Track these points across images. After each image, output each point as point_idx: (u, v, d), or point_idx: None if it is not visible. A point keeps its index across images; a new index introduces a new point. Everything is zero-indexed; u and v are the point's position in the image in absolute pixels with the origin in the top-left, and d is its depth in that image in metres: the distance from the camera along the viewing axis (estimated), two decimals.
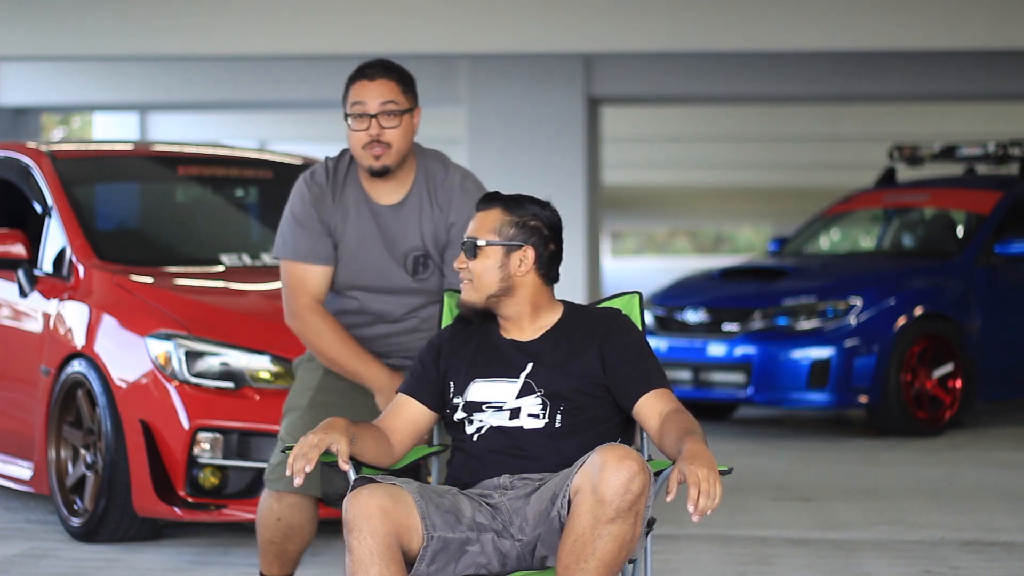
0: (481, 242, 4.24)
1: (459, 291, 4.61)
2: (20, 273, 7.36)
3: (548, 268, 4.30)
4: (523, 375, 4.23)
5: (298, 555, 5.00)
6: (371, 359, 4.93)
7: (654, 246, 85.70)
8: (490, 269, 4.25)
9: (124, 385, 6.61)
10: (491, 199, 4.31)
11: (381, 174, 4.92)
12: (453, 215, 4.98)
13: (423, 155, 5.05)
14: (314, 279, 4.99)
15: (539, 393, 4.20)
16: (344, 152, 5.06)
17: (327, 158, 5.08)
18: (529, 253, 4.27)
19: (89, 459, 6.79)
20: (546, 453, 4.16)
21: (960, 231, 11.73)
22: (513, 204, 4.28)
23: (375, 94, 4.87)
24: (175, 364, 6.52)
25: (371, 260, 4.99)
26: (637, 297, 4.50)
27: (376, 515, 3.86)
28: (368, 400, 4.97)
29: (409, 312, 5.03)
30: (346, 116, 4.90)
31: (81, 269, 7.14)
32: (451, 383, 4.30)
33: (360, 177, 5.01)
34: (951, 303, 10.96)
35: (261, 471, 6.42)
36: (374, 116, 4.86)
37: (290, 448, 4.09)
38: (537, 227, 4.28)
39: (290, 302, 5.02)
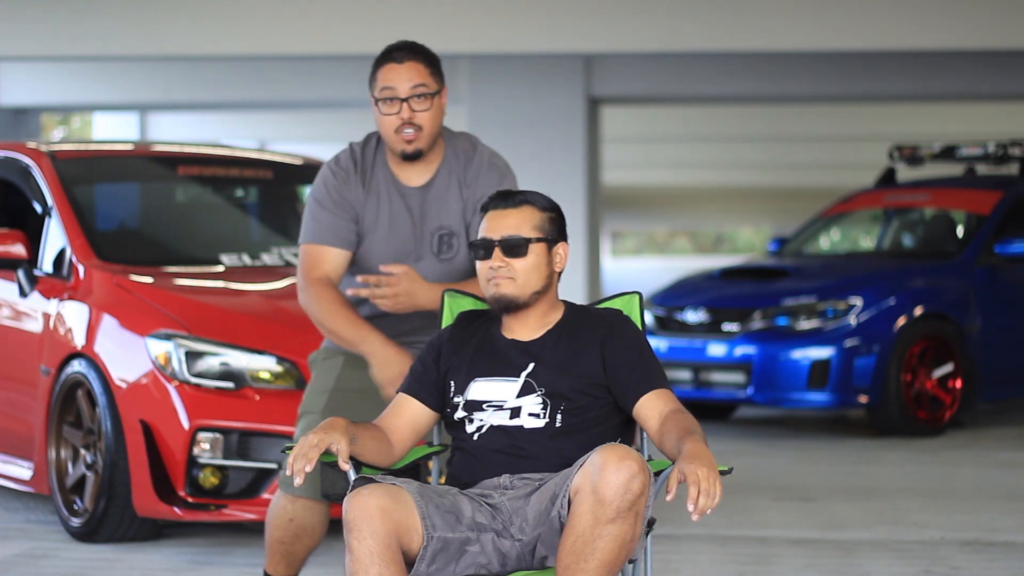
0: (531, 239, 4.23)
1: (460, 290, 4.62)
2: (20, 273, 7.36)
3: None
4: (523, 374, 4.23)
5: (305, 556, 5.00)
6: (369, 328, 4.79)
7: (654, 246, 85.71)
8: (538, 266, 4.24)
9: (124, 385, 6.61)
10: (513, 196, 4.28)
11: (414, 157, 4.89)
12: (480, 190, 4.94)
13: (451, 136, 5.02)
14: (329, 258, 4.91)
15: (539, 392, 4.20)
16: (369, 137, 5.02)
17: (352, 144, 5.04)
18: (564, 248, 4.29)
19: (89, 459, 6.79)
20: (546, 453, 4.16)
21: (960, 231, 11.74)
22: (540, 200, 4.29)
23: (405, 77, 4.83)
24: (175, 364, 6.52)
25: (402, 243, 4.95)
26: (637, 297, 4.50)
27: (376, 515, 3.86)
28: (384, 404, 4.95)
29: None
30: (376, 101, 4.86)
31: (81, 269, 7.14)
32: (451, 382, 4.29)
33: (388, 160, 4.97)
34: (951, 303, 10.96)
35: (261, 471, 6.43)
36: (405, 100, 4.83)
37: (290, 448, 4.09)
38: (562, 222, 4.30)
39: (301, 279, 4.93)
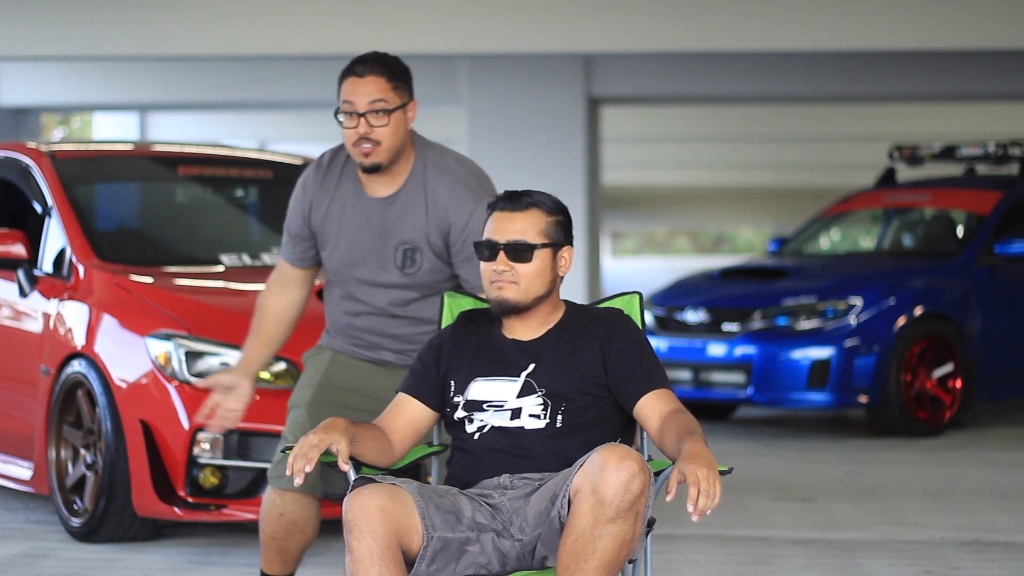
0: (537, 244, 4.21)
1: (463, 292, 4.62)
2: (20, 273, 7.36)
3: None
4: (524, 374, 4.22)
5: (299, 553, 5.00)
6: (248, 345, 5.15)
7: (654, 246, 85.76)
8: (542, 272, 4.23)
9: (124, 385, 6.61)
10: (521, 199, 4.25)
11: (372, 171, 4.89)
12: (462, 216, 4.90)
13: (423, 147, 5.00)
14: (284, 269, 5.24)
15: (540, 393, 4.20)
16: (342, 145, 5.05)
17: (324, 152, 5.07)
18: (569, 253, 4.28)
19: (89, 459, 6.79)
20: (547, 453, 4.16)
21: (960, 231, 11.74)
22: (548, 203, 4.26)
23: (363, 92, 4.82)
24: (175, 364, 6.52)
25: (364, 253, 4.97)
26: (637, 297, 4.50)
27: (376, 515, 3.86)
28: (370, 398, 4.96)
29: (403, 306, 5.00)
30: (337, 112, 4.88)
31: (81, 269, 7.14)
32: (451, 382, 4.29)
33: (357, 169, 4.99)
34: (951, 303, 10.96)
35: (261, 471, 6.43)
36: (363, 115, 4.83)
37: (291, 448, 4.09)
38: (568, 225, 4.29)
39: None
